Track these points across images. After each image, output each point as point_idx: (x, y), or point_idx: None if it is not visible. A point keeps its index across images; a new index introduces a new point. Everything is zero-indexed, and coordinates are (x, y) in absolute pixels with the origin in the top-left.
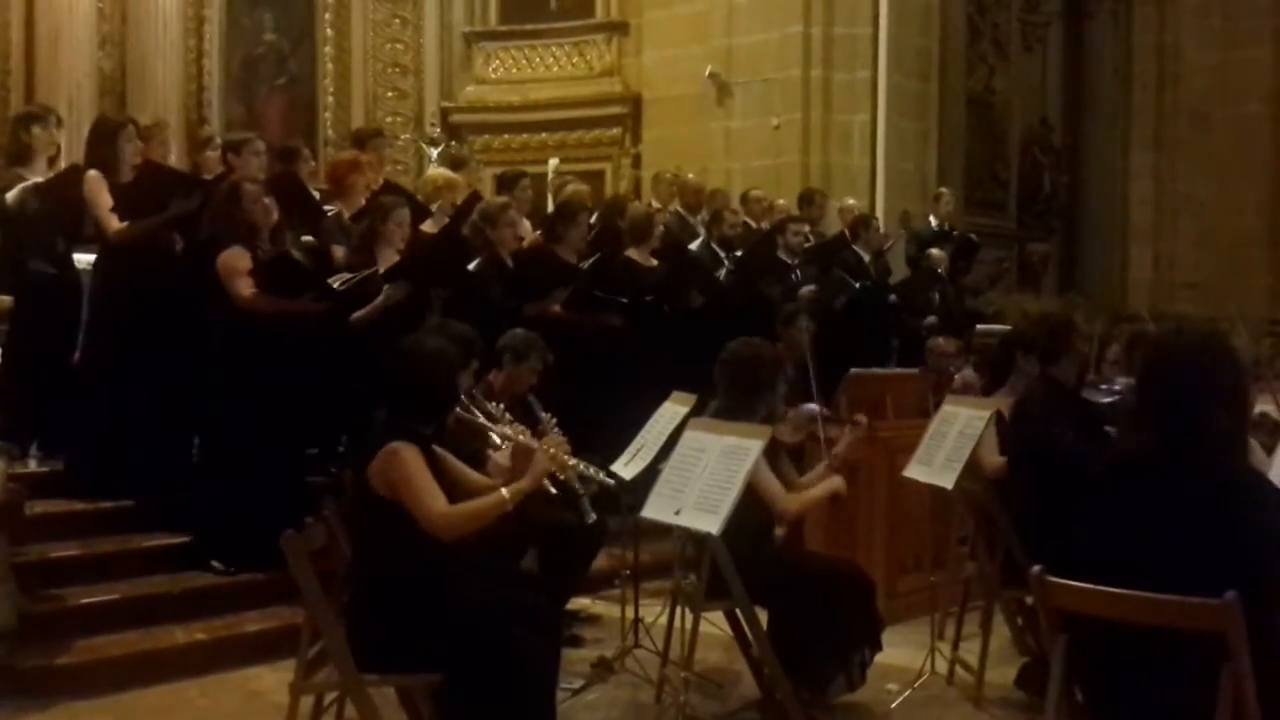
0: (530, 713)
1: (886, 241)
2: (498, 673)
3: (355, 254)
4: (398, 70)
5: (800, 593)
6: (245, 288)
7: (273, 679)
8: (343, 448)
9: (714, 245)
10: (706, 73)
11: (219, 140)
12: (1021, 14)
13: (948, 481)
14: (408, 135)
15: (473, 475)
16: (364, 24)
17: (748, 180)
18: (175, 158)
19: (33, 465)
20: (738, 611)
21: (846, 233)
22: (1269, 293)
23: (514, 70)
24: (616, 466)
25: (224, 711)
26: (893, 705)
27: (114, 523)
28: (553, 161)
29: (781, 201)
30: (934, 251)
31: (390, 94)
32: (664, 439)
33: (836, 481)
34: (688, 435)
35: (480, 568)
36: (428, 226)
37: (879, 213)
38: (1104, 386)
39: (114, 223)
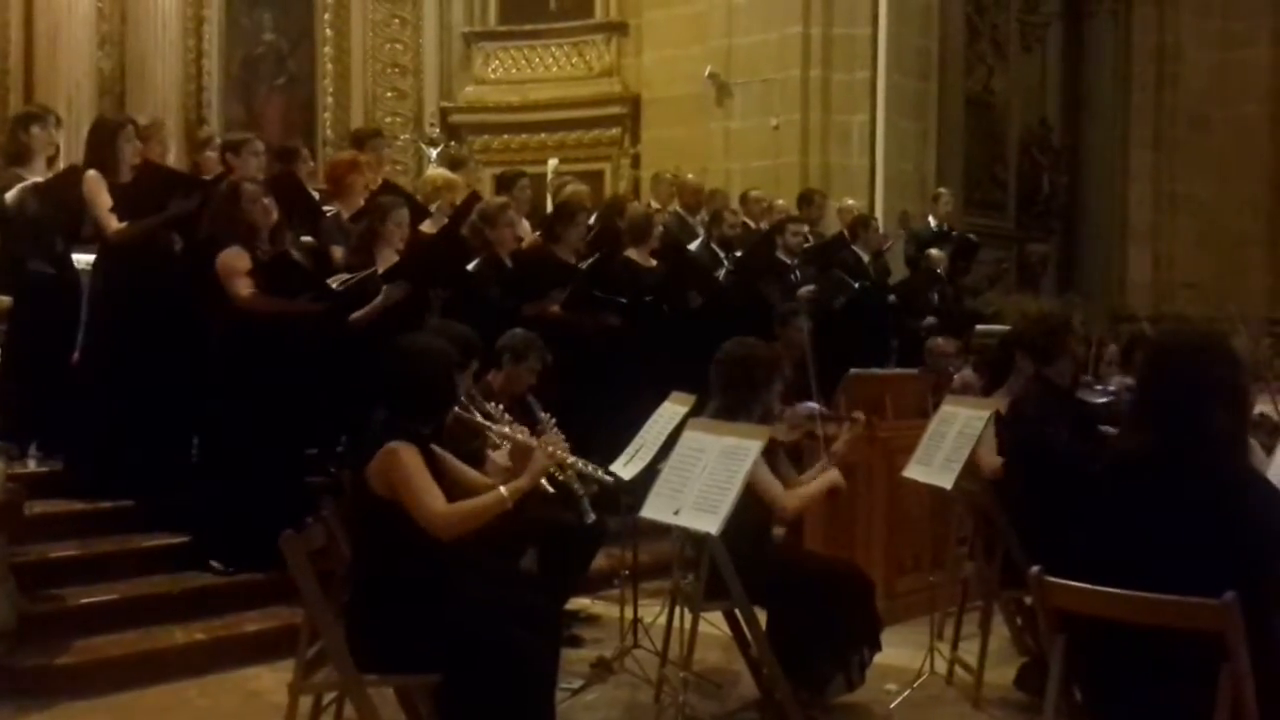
0: (529, 713)
1: (885, 242)
2: (497, 673)
3: (354, 254)
4: (397, 70)
5: (799, 593)
6: (244, 288)
7: (272, 679)
8: (342, 448)
9: (713, 245)
10: (706, 73)
11: (218, 140)
12: (1020, 14)
13: (947, 482)
14: (407, 135)
15: (472, 475)
16: (363, 24)
17: (747, 180)
18: (174, 157)
19: (32, 465)
20: (737, 612)
21: (845, 233)
22: (1268, 293)
23: (513, 70)
24: (615, 467)
25: (223, 711)
26: (892, 705)
27: (113, 523)
28: (552, 162)
29: (781, 202)
30: (933, 252)
31: (389, 94)
32: (663, 439)
33: (833, 475)
34: (687, 435)
35: (479, 568)
36: (427, 227)
37: (878, 213)
38: (1099, 387)
39: (113, 223)
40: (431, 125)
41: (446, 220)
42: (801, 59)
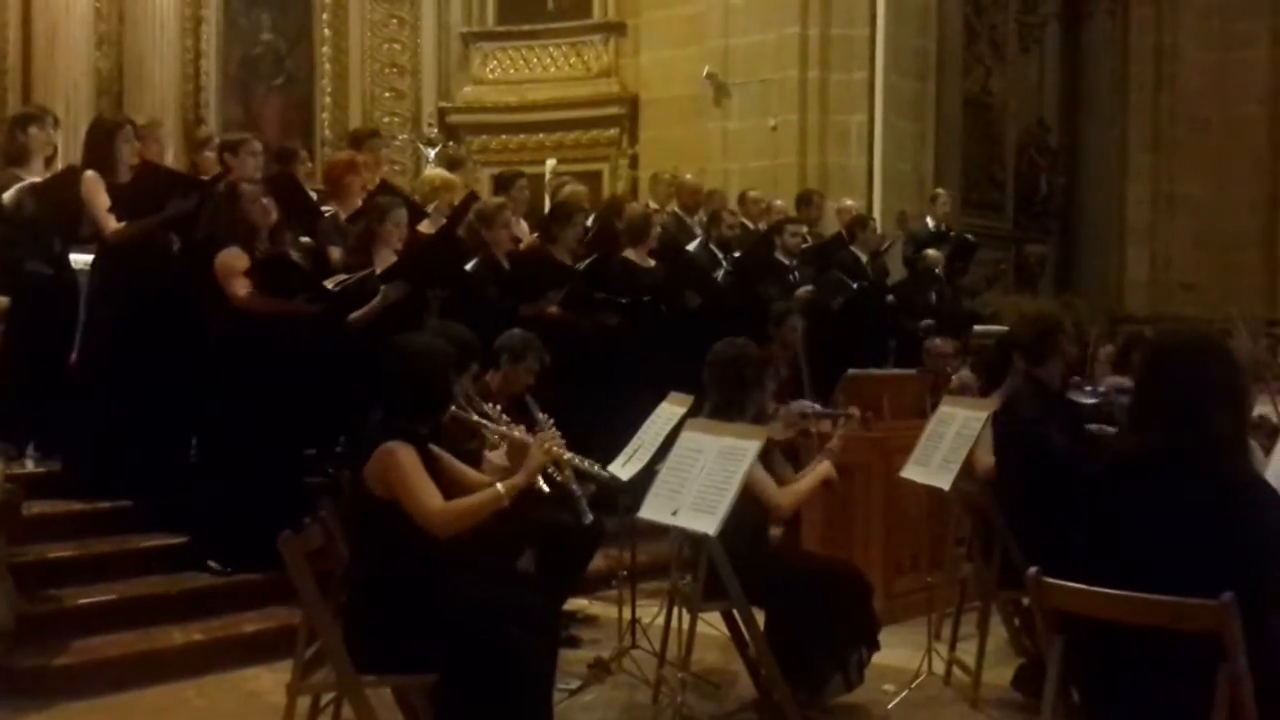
0: (527, 713)
1: (884, 242)
2: (494, 673)
3: (352, 254)
4: (395, 70)
5: (797, 593)
6: (241, 288)
7: (270, 679)
8: (340, 448)
9: (711, 246)
10: (704, 73)
11: (217, 140)
12: (1019, 15)
13: (945, 482)
14: (405, 135)
15: (471, 474)
16: (361, 24)
17: (745, 181)
18: (172, 157)
19: (30, 465)
20: (735, 612)
21: (844, 233)
22: (1266, 293)
23: (511, 71)
24: (614, 467)
25: (221, 712)
26: (890, 706)
27: (111, 523)
28: (550, 162)
29: (779, 202)
30: (930, 252)
31: (388, 94)
32: (661, 439)
33: (825, 468)
34: (685, 436)
35: (477, 568)
36: (425, 227)
37: (876, 213)
38: (1088, 388)
39: (111, 223)
40: (429, 125)
41: (444, 221)
42: (799, 59)
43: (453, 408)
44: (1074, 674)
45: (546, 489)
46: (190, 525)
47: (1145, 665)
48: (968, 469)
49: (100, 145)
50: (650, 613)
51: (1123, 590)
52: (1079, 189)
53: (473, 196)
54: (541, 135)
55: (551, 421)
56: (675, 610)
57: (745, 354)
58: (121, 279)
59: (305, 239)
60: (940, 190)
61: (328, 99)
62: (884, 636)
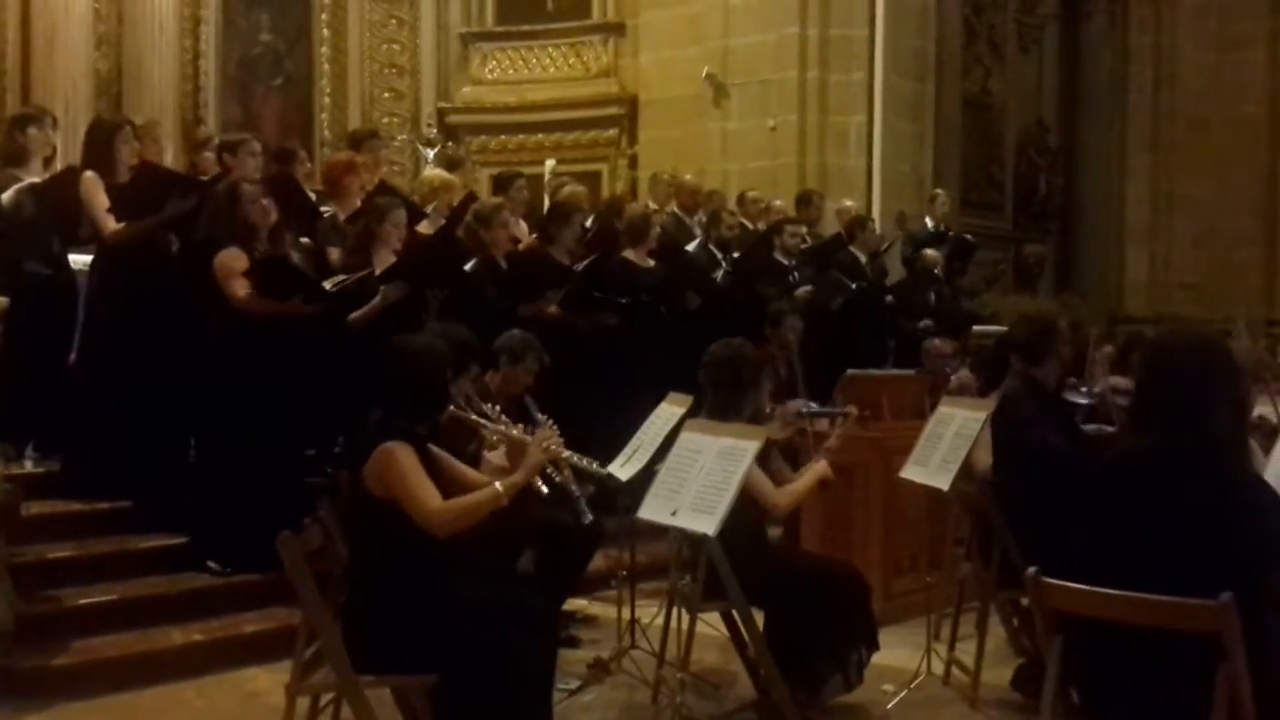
0: (526, 713)
1: (883, 242)
2: (494, 673)
3: (352, 255)
4: (394, 71)
5: (796, 593)
6: (240, 288)
7: (269, 680)
8: (339, 449)
9: (711, 246)
10: (703, 74)
11: (216, 141)
12: (1017, 15)
13: (944, 483)
14: (404, 136)
15: (470, 473)
16: (360, 24)
17: (744, 181)
18: (171, 157)
19: (29, 466)
20: (734, 612)
21: (843, 234)
22: (1265, 294)
23: (510, 71)
24: (613, 467)
25: (220, 712)
26: (889, 706)
27: (110, 523)
28: (549, 162)
29: (778, 202)
30: (928, 252)
31: (387, 95)
32: (660, 440)
33: (821, 468)
34: (684, 436)
35: (477, 568)
36: (424, 228)
37: (875, 214)
38: (1083, 389)
39: (110, 224)
40: (429, 126)
41: (443, 221)
42: (799, 60)
43: (451, 408)
44: (1073, 674)
45: (545, 490)
46: (189, 526)
47: (1144, 665)
48: (966, 469)
49: (99, 146)
50: (649, 613)
51: (1122, 590)
52: (1078, 189)
53: (471, 197)
54: (541, 136)
55: (551, 422)
56: (674, 610)
57: (741, 354)
58: (120, 279)
59: (304, 240)
60: (939, 191)
61: (327, 99)
62: (883, 637)
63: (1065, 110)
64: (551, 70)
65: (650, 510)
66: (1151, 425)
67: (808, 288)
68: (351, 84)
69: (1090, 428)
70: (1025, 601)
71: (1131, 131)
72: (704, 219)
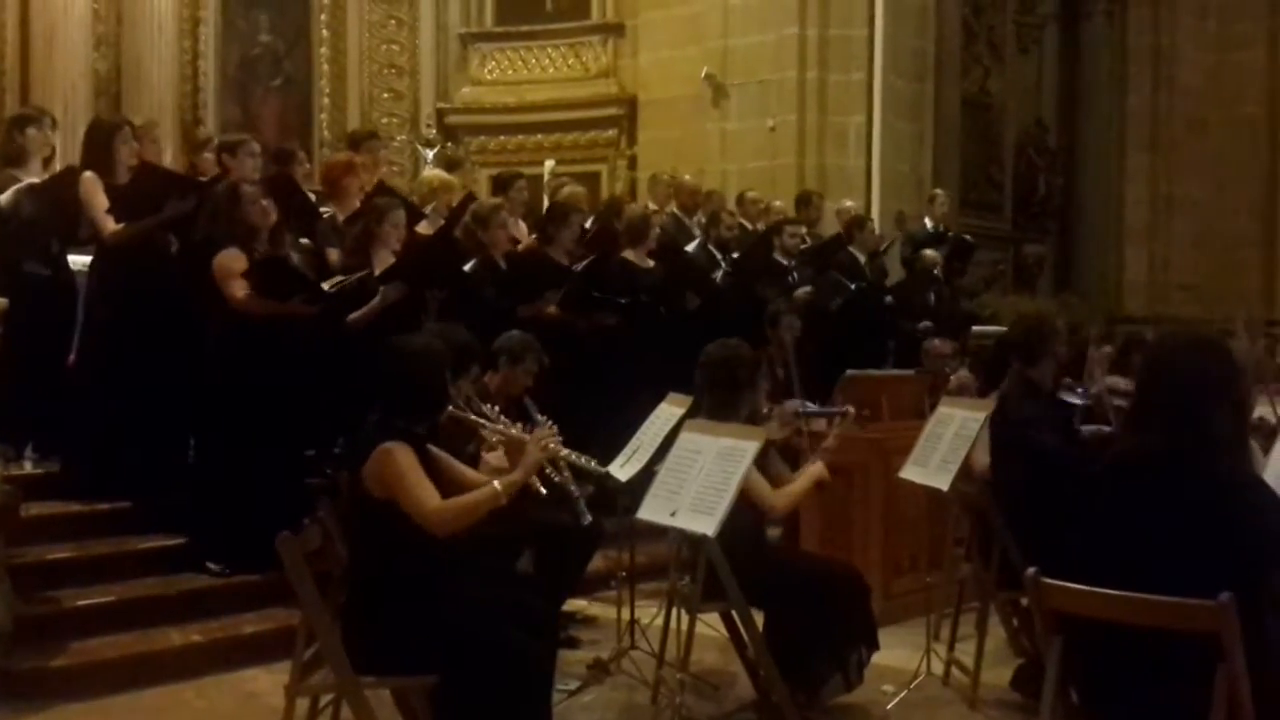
0: (526, 714)
1: (882, 243)
2: (493, 674)
3: (351, 256)
4: (393, 71)
5: (796, 594)
6: (239, 289)
7: (269, 681)
8: (339, 449)
9: (710, 247)
10: (702, 74)
11: (216, 141)
12: (1017, 15)
13: (943, 483)
14: (403, 136)
15: (469, 473)
16: (359, 25)
17: (743, 182)
18: (170, 158)
19: (28, 467)
20: (733, 613)
21: (842, 234)
22: (1264, 294)
23: (510, 72)
24: (612, 468)
25: (220, 713)
26: (888, 706)
27: (109, 524)
28: (549, 163)
29: (778, 203)
30: (927, 252)
31: (386, 95)
32: (660, 440)
33: (817, 469)
34: (684, 437)
35: (476, 569)
36: (423, 228)
37: (874, 214)
38: (1079, 389)
39: (110, 224)
40: (428, 126)
41: (443, 221)
42: (798, 60)
43: (450, 408)
44: (1072, 674)
45: (544, 491)
46: (189, 526)
47: (1144, 665)
48: (966, 469)
49: (99, 146)
50: (649, 613)
51: (1122, 590)
52: (1077, 189)
53: (471, 198)
54: (540, 136)
55: (550, 422)
56: (674, 611)
57: (738, 355)
58: (120, 280)
59: (304, 240)
60: (938, 191)
61: (326, 100)
62: (883, 637)
63: (1064, 110)
64: (551, 71)
65: (650, 511)
66: (1152, 425)
67: (807, 288)
68: (351, 84)
69: (1089, 429)
70: (1025, 602)
71: (1131, 132)
72: (703, 219)
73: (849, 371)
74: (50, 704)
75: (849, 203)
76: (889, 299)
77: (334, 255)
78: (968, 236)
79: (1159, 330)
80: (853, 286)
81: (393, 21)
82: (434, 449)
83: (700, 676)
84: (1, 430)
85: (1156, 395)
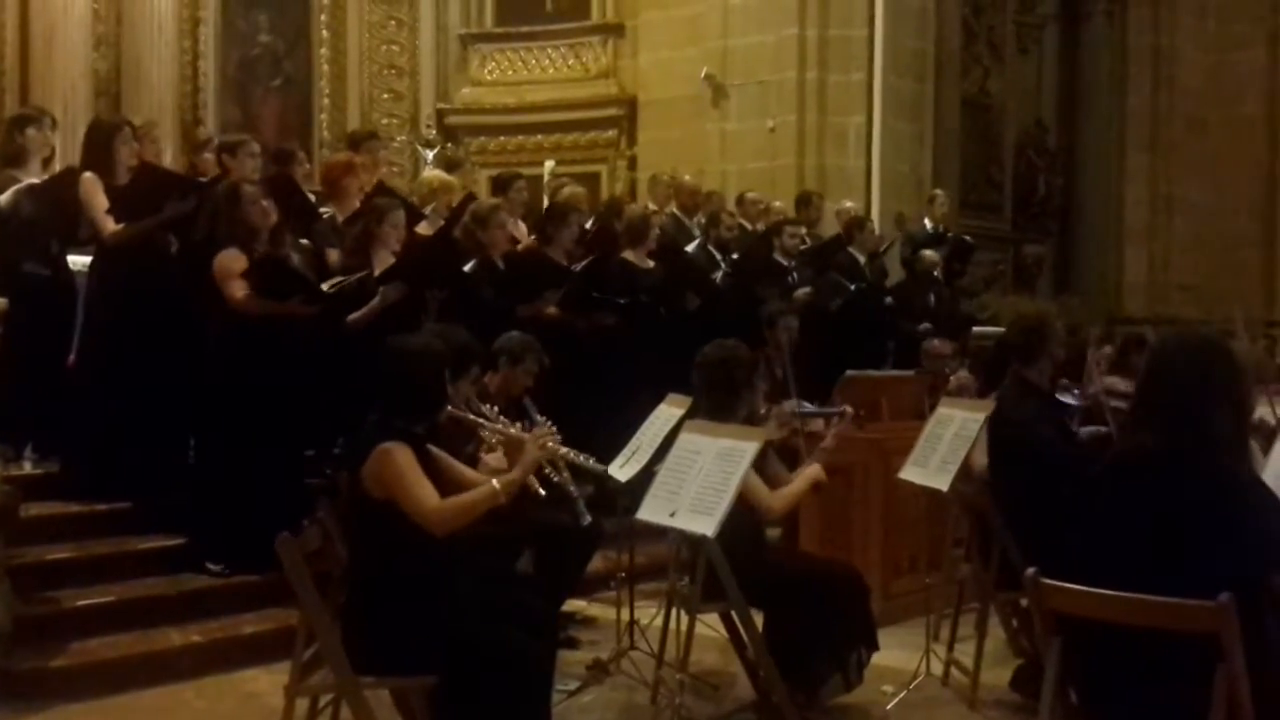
0: (525, 714)
1: (882, 243)
2: (493, 675)
3: (350, 256)
4: (393, 72)
5: (796, 594)
6: (238, 289)
7: (268, 681)
8: (339, 449)
9: (710, 247)
10: (702, 75)
11: (216, 142)
12: (1016, 16)
13: (943, 484)
14: (403, 137)
15: (469, 473)
16: (359, 26)
17: (743, 182)
18: (170, 158)
19: (28, 467)
20: (733, 613)
21: (842, 235)
22: (1263, 295)
23: (509, 72)
24: (612, 468)
25: (220, 714)
26: (888, 707)
27: (109, 525)
28: (549, 164)
29: (778, 203)
30: (926, 252)
31: (386, 96)
32: (659, 441)
33: (814, 470)
34: (683, 437)
35: (476, 569)
36: (423, 229)
37: (874, 215)
38: (1075, 390)
39: (110, 225)
40: (428, 127)
41: (442, 222)
42: (798, 60)
43: (449, 408)
44: (1072, 675)
45: (543, 493)
46: (188, 527)
47: (1143, 666)
48: (965, 470)
49: (99, 147)
50: (649, 614)
51: (1121, 590)
52: (1077, 190)
53: (470, 198)
54: (540, 137)
55: (550, 424)
56: (674, 611)
57: (735, 355)
58: (120, 280)
59: (303, 241)
60: (938, 191)
61: (326, 100)
62: (882, 637)
63: (1064, 111)
64: (550, 71)
65: (649, 511)
66: (1152, 425)
67: (807, 289)
68: (350, 85)
69: (1087, 430)
70: (1024, 602)
71: (1130, 132)
72: (703, 220)
73: (849, 372)
74: (50, 704)
75: (849, 203)
76: (889, 299)
77: (333, 256)
78: (967, 237)
79: (1159, 330)
80: (852, 287)
81: (392, 22)
82: (433, 449)
83: (700, 677)
84: (1, 430)
85: (1158, 395)
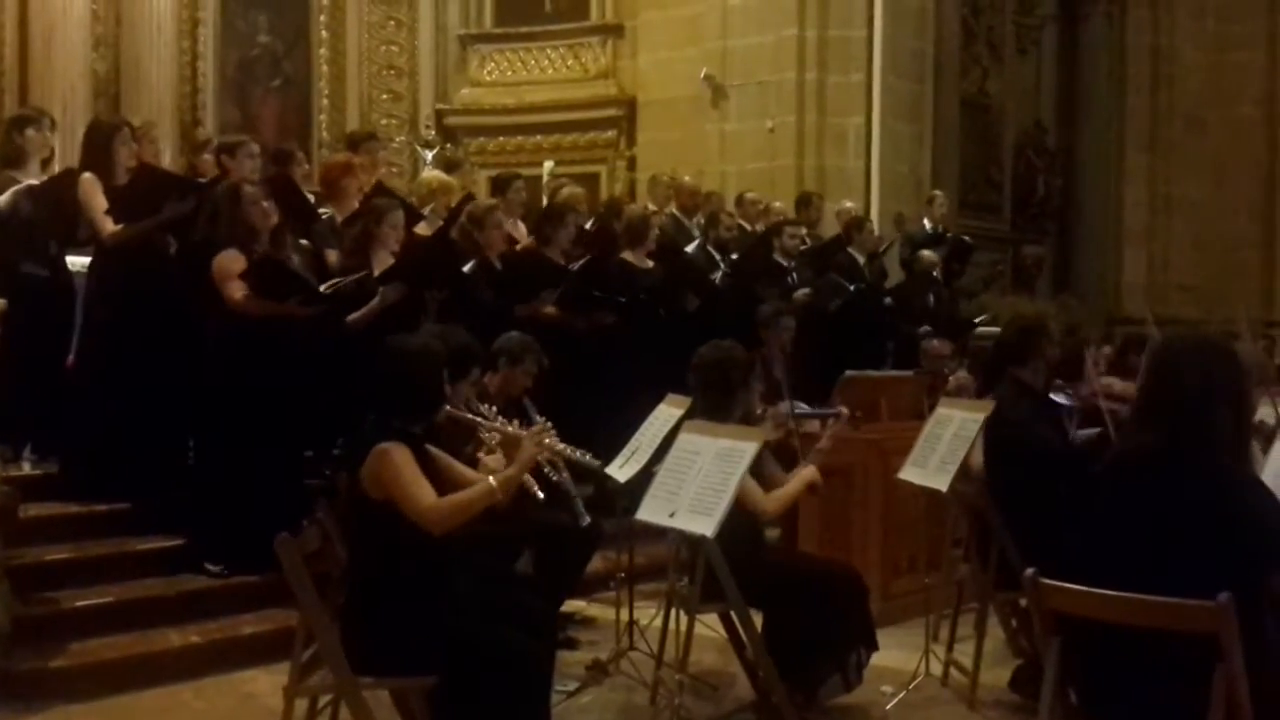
0: (525, 715)
1: (881, 244)
2: (492, 675)
3: (349, 257)
4: (392, 72)
5: (795, 594)
6: (237, 290)
7: (267, 682)
8: (338, 450)
9: (710, 248)
10: (701, 75)
11: (215, 143)
12: (1016, 16)
13: (942, 484)
14: (403, 137)
15: (468, 473)
16: (359, 26)
17: (742, 183)
18: (169, 159)
19: (26, 468)
20: (732, 614)
21: (842, 235)
22: (1263, 295)
23: (509, 73)
24: (611, 469)
25: (219, 714)
26: (887, 707)
27: (108, 525)
28: (548, 164)
29: (777, 204)
30: (925, 253)
31: (385, 96)
32: (659, 441)
33: (809, 472)
34: (682, 438)
35: (475, 569)
36: (422, 229)
37: (873, 215)
38: (1068, 390)
39: (109, 225)
40: (427, 127)
41: (441, 223)
42: (797, 61)
43: (448, 408)
44: (1071, 675)
45: (541, 495)
46: (187, 527)
47: (1142, 666)
48: (965, 470)
49: (98, 147)
50: (648, 614)
51: (1120, 590)
52: (1076, 190)
53: (469, 199)
54: (539, 137)
55: (549, 425)
56: (673, 612)
57: (730, 356)
58: (119, 281)
59: (303, 241)
60: (937, 192)
61: (325, 101)
62: (881, 637)
63: (1063, 111)
64: (550, 72)
65: (648, 511)
66: (1153, 425)
67: (806, 289)
68: (350, 86)
69: (1084, 432)
70: (1023, 602)
71: (1129, 132)
72: (703, 220)
73: (848, 372)
74: (49, 704)
75: (848, 204)
76: (888, 300)
77: (332, 256)
78: (966, 238)
79: (1163, 330)
80: (852, 288)
81: (392, 22)
82: (432, 449)
83: (699, 677)
84: (0, 431)
85: (1160, 395)
